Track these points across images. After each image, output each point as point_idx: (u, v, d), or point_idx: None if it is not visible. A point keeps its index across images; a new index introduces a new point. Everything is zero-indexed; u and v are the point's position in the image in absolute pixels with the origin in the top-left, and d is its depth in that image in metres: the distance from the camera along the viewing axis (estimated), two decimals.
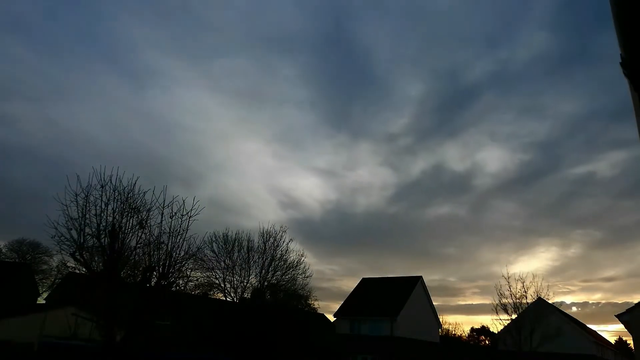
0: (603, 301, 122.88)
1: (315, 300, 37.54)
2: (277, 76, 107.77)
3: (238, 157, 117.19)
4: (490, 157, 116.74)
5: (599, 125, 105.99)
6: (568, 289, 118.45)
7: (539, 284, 34.22)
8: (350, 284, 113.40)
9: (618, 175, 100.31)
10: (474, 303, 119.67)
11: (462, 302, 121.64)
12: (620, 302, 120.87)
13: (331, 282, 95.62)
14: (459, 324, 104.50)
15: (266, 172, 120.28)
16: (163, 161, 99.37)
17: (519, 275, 34.16)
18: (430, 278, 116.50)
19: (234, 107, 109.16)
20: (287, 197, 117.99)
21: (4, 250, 52.66)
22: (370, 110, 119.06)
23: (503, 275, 39.91)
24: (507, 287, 33.55)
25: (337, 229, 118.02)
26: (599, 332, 59.72)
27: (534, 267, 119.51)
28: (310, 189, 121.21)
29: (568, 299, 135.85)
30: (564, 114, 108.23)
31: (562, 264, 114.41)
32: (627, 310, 16.09)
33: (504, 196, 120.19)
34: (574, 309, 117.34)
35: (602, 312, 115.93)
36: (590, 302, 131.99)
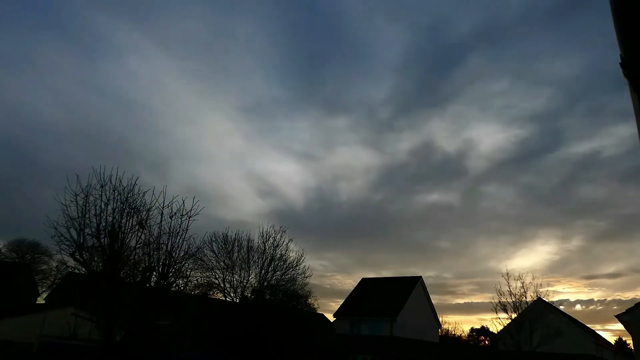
0: (609, 298, 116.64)
1: (315, 300, 37.55)
2: (238, 38, 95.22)
3: (206, 140, 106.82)
4: (483, 134, 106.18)
5: (605, 91, 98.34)
6: (570, 284, 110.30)
7: (539, 284, 34.28)
8: (343, 281, 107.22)
9: (625, 154, 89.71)
10: (472, 301, 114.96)
11: (460, 300, 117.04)
12: (626, 298, 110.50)
13: (322, 278, 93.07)
14: (458, 323, 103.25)
15: (239, 156, 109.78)
16: (122, 142, 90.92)
17: (519, 275, 34.09)
18: (425, 274, 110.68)
19: (195, 80, 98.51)
20: (264, 184, 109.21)
21: (3, 250, 52.68)
22: (344, 77, 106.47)
23: (503, 275, 39.90)
24: (507, 286, 33.62)
25: (322, 220, 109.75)
26: (606, 331, 59.26)
27: (532, 262, 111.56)
28: (288, 174, 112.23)
29: (571, 297, 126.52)
30: (564, 80, 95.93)
31: (563, 258, 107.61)
32: (627, 310, 16.06)
33: (500, 181, 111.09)
34: (578, 306, 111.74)
35: (608, 309, 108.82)
36: (596, 299, 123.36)
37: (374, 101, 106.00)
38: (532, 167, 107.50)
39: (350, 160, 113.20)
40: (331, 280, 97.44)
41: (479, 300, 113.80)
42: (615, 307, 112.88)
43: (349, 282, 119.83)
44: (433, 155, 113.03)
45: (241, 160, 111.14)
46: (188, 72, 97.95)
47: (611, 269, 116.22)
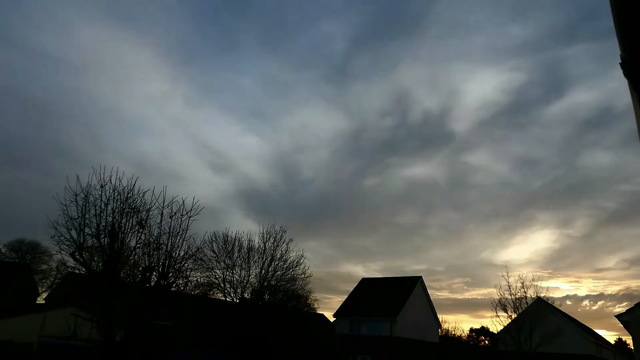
0: (621, 293, 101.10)
1: (315, 300, 37.55)
2: None
3: (143, 105, 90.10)
4: (468, 81, 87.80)
5: None
6: (575, 278, 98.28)
7: (539, 284, 34.31)
8: (332, 275, 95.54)
9: None
10: (466, 297, 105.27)
11: (456, 295, 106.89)
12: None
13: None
14: (458, 322, 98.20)
15: (181, 122, 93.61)
16: (43, 106, 77.46)
17: (518, 275, 34.11)
18: (415, 268, 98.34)
19: (108, 23, 78.55)
20: (216, 157, 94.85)
21: (3, 250, 52.67)
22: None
23: (502, 275, 39.93)
24: (507, 286, 33.62)
25: (288, 200, 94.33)
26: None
27: (530, 252, 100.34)
28: (241, 143, 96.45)
29: (575, 291, 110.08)
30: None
31: (563, 246, 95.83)
32: (627, 310, 16.08)
33: (491, 149, 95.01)
34: (585, 302, 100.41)
35: (618, 305, 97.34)
36: (607, 292, 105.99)
37: (327, 36, 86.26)
38: (529, 126, 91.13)
39: (313, 123, 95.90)
40: (315, 274, 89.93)
41: (473, 297, 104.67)
42: (626, 303, 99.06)
43: (332, 274, 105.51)
44: (411, 114, 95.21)
45: (185, 127, 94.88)
46: (105, 16, 78.26)
47: (622, 256, 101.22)
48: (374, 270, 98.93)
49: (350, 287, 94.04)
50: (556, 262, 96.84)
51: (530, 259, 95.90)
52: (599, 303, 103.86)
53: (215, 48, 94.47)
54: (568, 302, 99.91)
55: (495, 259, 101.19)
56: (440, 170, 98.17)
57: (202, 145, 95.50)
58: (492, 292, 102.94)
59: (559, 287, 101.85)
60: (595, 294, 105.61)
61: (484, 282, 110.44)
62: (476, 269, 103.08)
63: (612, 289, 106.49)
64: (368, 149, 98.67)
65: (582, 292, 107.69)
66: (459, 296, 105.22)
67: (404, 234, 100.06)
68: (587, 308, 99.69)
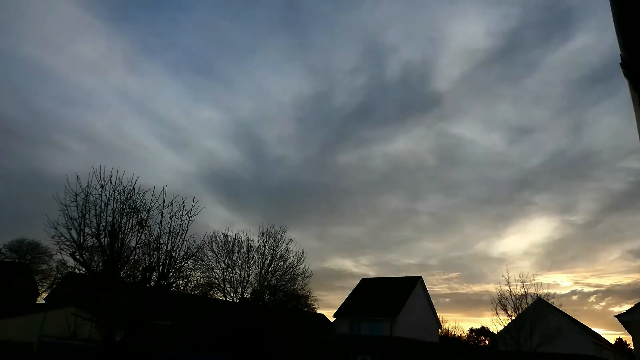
0: (629, 288, 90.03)
1: (315, 300, 37.55)
2: None
3: (83, 72, 78.45)
4: (453, 21, 69.84)
5: None
6: (577, 272, 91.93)
7: (539, 282, 34.33)
8: (325, 271, 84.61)
9: None
10: (460, 292, 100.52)
11: (451, 292, 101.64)
12: None
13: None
14: (452, 320, 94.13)
15: (128, 94, 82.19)
16: None
17: (519, 275, 34.13)
18: (407, 262, 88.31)
19: None
20: (173, 131, 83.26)
21: (3, 250, 52.67)
22: None
23: (503, 275, 39.93)
24: (506, 282, 33.66)
25: (260, 182, 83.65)
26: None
27: (528, 243, 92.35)
28: (196, 114, 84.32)
29: (576, 287, 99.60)
30: None
31: (565, 235, 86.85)
32: (627, 310, 16.11)
33: (481, 113, 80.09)
34: (593, 298, 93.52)
35: (626, 302, 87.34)
36: (621, 282, 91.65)
37: None
38: (524, 80, 76.31)
39: (272, 87, 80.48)
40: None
41: (468, 292, 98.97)
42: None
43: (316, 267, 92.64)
44: (386, 70, 78.93)
45: (133, 99, 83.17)
46: None
47: (632, 246, 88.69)
48: (364, 265, 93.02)
49: (343, 284, 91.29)
50: (557, 255, 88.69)
51: (528, 250, 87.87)
52: (606, 299, 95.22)
53: None
54: (574, 298, 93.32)
55: (491, 252, 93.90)
56: (426, 144, 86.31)
57: (156, 120, 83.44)
58: (489, 288, 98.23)
59: (559, 284, 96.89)
60: (603, 289, 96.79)
61: (480, 277, 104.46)
62: (471, 263, 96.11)
63: (618, 283, 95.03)
64: (338, 117, 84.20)
65: (587, 289, 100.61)
66: (454, 292, 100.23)
67: (392, 223, 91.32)
68: (594, 305, 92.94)
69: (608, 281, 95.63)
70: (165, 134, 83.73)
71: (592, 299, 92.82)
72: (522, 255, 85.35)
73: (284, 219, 75.68)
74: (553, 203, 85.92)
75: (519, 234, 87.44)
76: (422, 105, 79.08)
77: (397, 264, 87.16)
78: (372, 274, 79.45)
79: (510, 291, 33.27)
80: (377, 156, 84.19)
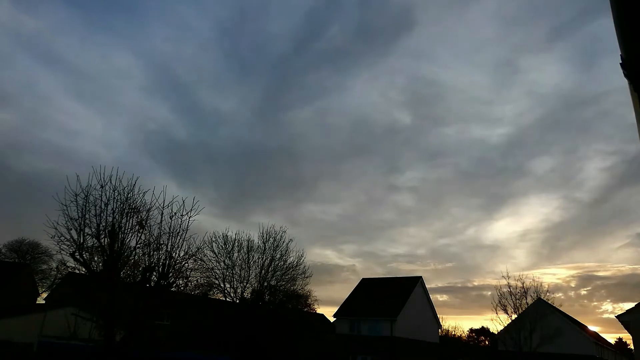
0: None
1: (315, 300, 37.57)
2: None
3: None
4: None
5: None
6: (580, 264, 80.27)
7: (538, 281, 34.30)
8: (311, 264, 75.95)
9: None
10: (456, 285, 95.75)
11: (443, 284, 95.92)
12: None
13: None
14: (457, 316, 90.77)
15: (24, 37, 63.03)
16: None
17: (519, 275, 34.13)
18: (393, 252, 78.95)
19: None
20: (88, 83, 65.22)
21: (3, 251, 52.67)
22: None
23: (503, 276, 39.95)
24: (507, 286, 33.66)
25: (207, 150, 66.88)
26: None
27: (524, 226, 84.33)
28: (108, 58, 64.85)
29: (578, 282, 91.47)
30: None
31: (565, 220, 75.06)
32: (627, 310, 16.13)
33: (462, 25, 63.64)
34: (603, 292, 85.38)
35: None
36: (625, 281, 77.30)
37: None
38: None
39: (184, 14, 61.40)
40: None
41: (459, 284, 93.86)
42: None
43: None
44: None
45: (31, 43, 63.96)
46: None
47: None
48: (348, 256, 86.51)
49: (331, 278, 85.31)
50: (557, 241, 78.84)
51: (524, 234, 79.03)
52: (610, 298, 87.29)
53: None
54: (583, 292, 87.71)
55: (483, 238, 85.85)
56: (396, 93, 66.23)
57: (64, 69, 66.33)
58: (484, 282, 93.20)
59: (556, 274, 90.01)
60: (613, 282, 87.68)
61: (476, 269, 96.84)
62: (463, 252, 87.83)
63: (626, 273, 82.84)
64: (275, 48, 65.59)
65: (589, 283, 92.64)
66: (446, 284, 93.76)
67: (370, 205, 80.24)
68: (594, 302, 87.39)
69: (613, 273, 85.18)
70: (81, 89, 67.85)
71: (591, 292, 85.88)
72: (517, 241, 77.70)
73: (242, 196, 62.74)
74: (552, 174, 72.92)
75: (513, 216, 78.79)
76: (386, 29, 58.65)
77: (384, 254, 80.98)
78: (358, 265, 73.78)
79: (510, 291, 33.29)
80: (335, 111, 68.18)
